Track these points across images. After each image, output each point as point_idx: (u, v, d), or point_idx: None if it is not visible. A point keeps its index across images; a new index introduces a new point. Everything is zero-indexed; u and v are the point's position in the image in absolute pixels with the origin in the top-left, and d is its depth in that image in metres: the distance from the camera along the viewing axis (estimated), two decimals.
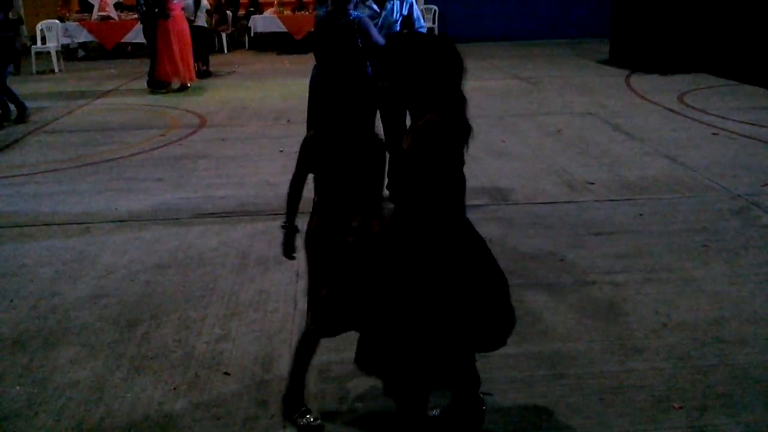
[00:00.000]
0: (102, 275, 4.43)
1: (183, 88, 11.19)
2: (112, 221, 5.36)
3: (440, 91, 2.30)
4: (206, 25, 12.70)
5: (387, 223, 2.53)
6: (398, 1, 5.53)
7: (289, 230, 2.86)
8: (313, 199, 2.84)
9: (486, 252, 2.51)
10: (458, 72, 2.33)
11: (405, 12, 5.58)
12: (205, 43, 12.59)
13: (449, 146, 2.33)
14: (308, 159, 2.76)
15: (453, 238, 2.40)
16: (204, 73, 12.60)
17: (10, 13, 10.25)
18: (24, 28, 15.70)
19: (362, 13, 5.32)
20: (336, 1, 5.16)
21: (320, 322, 2.80)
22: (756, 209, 5.24)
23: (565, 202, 5.54)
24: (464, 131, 2.37)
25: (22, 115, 8.93)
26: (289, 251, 2.89)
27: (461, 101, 2.36)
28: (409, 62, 2.30)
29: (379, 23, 5.42)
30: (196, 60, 12.00)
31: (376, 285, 2.47)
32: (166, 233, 5.09)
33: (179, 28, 11.05)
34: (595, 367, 3.32)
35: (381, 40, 5.17)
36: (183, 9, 11.34)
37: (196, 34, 11.74)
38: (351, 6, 5.21)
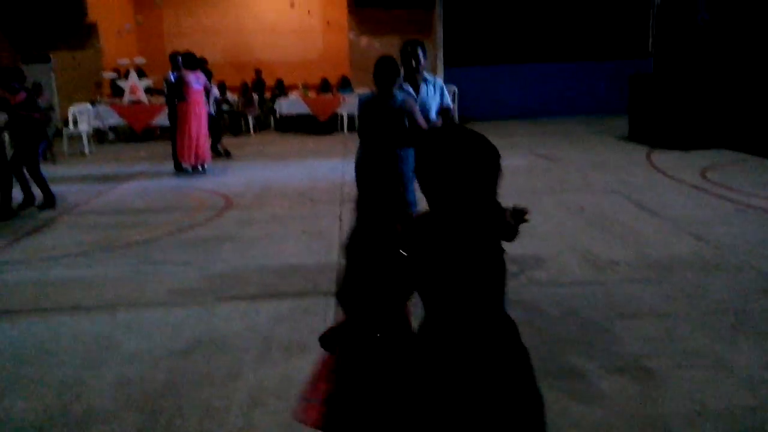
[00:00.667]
0: (126, 362, 4.43)
1: (199, 170, 11.43)
2: (137, 306, 5.40)
3: (479, 186, 2.19)
4: (214, 114, 12.90)
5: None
6: (431, 86, 5.76)
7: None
8: None
9: (524, 362, 2.30)
10: (497, 170, 2.21)
11: (437, 94, 5.79)
12: (214, 129, 12.77)
13: (478, 236, 2.21)
14: None
15: (490, 340, 2.23)
16: (225, 153, 12.96)
17: (40, 99, 10.66)
18: (57, 112, 16.30)
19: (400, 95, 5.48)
20: (383, 84, 5.31)
21: None
22: None
23: (590, 282, 5.49)
24: (490, 221, 2.27)
25: (50, 203, 8.95)
26: None
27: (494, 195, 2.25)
28: (458, 156, 2.20)
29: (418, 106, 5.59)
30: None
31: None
32: (191, 317, 5.11)
33: (197, 111, 11.30)
34: None
35: (424, 122, 5.38)
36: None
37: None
38: (396, 88, 5.40)
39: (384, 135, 5.38)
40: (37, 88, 11.86)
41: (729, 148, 11.01)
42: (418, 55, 5.62)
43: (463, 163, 2.19)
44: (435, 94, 5.81)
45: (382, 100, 5.37)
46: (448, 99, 5.96)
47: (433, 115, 5.77)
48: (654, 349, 4.32)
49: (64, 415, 3.79)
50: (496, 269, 2.26)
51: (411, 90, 5.66)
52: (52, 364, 4.42)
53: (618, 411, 3.63)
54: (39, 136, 9.01)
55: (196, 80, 11.20)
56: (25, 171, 8.82)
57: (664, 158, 10.78)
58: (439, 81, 5.93)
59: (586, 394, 3.81)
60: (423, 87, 5.72)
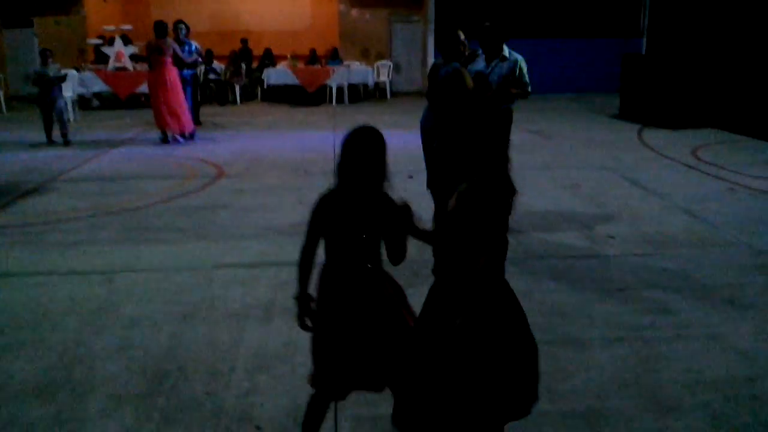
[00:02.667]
0: (127, 326, 4.42)
1: (181, 139, 11.34)
2: (134, 271, 5.37)
3: (488, 154, 2.32)
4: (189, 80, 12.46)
5: (432, 286, 2.52)
6: (500, 62, 6.29)
7: (303, 299, 2.79)
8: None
9: (521, 317, 2.49)
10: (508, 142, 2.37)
11: (506, 71, 6.21)
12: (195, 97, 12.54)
13: (493, 209, 2.33)
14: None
15: (492, 301, 2.40)
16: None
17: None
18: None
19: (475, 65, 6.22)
20: (449, 56, 6.02)
21: (325, 384, 2.81)
22: None
23: (587, 256, 5.54)
24: (508, 194, 2.38)
25: None
26: (304, 323, 2.79)
27: (506, 165, 2.37)
28: (466, 127, 2.34)
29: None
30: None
31: (412, 343, 2.48)
32: (190, 283, 5.10)
33: (164, 78, 11.16)
34: (632, 425, 3.28)
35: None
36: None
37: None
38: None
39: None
40: (44, 55, 11.49)
41: (719, 127, 11.11)
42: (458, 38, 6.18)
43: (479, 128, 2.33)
44: (505, 71, 6.24)
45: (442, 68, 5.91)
46: (526, 77, 6.33)
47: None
48: (651, 321, 4.38)
49: (66, 378, 3.77)
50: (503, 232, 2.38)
51: (483, 62, 6.34)
52: (52, 328, 4.40)
53: (617, 379, 3.69)
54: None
55: (169, 50, 11.09)
56: None
57: (656, 136, 10.85)
58: (514, 58, 6.32)
59: (586, 362, 3.87)
60: (494, 61, 6.28)
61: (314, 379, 2.84)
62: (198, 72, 13.41)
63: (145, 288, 5.03)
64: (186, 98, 11.52)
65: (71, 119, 13.97)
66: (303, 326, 2.79)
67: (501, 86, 6.22)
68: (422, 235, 2.77)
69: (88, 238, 6.22)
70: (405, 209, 2.69)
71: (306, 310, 2.77)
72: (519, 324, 2.47)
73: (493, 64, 6.30)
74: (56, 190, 8.10)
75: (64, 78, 11.45)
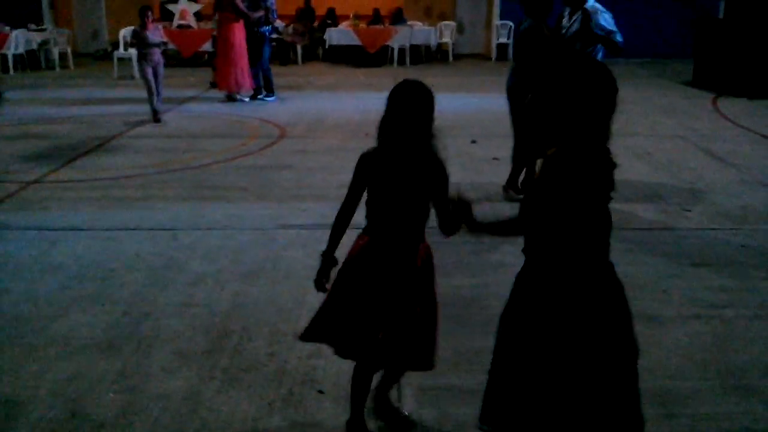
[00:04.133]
0: (191, 283, 4.43)
1: (238, 97, 11.30)
2: (198, 228, 5.38)
3: (588, 122, 2.12)
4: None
5: (522, 269, 2.33)
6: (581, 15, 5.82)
7: (328, 260, 2.74)
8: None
9: (625, 313, 2.30)
10: (611, 107, 2.16)
11: (577, 26, 5.76)
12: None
13: (583, 181, 2.13)
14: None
15: (592, 288, 2.22)
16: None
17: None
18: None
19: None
20: (536, 15, 5.69)
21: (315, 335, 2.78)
22: None
23: (661, 228, 5.32)
24: (606, 167, 2.18)
25: None
26: (322, 283, 2.74)
27: (606, 136, 2.17)
28: (567, 85, 2.14)
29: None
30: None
31: (504, 332, 2.34)
32: (253, 243, 5.08)
33: (225, 36, 11.08)
34: (709, 407, 3.13)
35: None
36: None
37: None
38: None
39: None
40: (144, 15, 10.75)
41: None
42: None
43: (584, 89, 2.14)
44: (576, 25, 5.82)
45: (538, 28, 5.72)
46: (610, 26, 5.78)
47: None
48: (730, 300, 4.17)
49: (131, 333, 3.80)
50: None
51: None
52: (116, 283, 4.44)
53: (694, 359, 3.53)
54: None
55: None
56: None
57: (732, 106, 10.35)
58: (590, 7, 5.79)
59: (660, 339, 3.70)
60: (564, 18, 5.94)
61: (306, 331, 2.80)
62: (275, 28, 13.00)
63: (209, 246, 5.04)
64: (264, 58, 11.38)
65: (136, 75, 14.15)
66: (319, 287, 2.73)
67: (570, 40, 5.80)
68: (485, 228, 2.52)
69: (153, 195, 6.27)
70: (464, 206, 2.44)
71: (327, 271, 2.71)
72: (622, 321, 2.28)
73: (574, 18, 5.86)
74: (122, 146, 8.19)
75: (166, 44, 10.68)
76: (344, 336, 2.71)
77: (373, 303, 2.62)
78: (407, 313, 2.63)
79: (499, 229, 2.53)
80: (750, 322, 3.89)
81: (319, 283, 2.74)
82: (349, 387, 3.22)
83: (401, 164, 2.56)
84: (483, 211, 2.63)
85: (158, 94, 9.59)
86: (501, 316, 2.36)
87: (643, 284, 4.34)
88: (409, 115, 2.51)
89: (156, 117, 9.50)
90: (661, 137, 8.13)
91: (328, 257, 2.72)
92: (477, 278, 4.44)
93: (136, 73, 14.04)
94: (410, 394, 3.21)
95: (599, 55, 5.79)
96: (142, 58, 9.60)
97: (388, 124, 2.55)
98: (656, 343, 3.65)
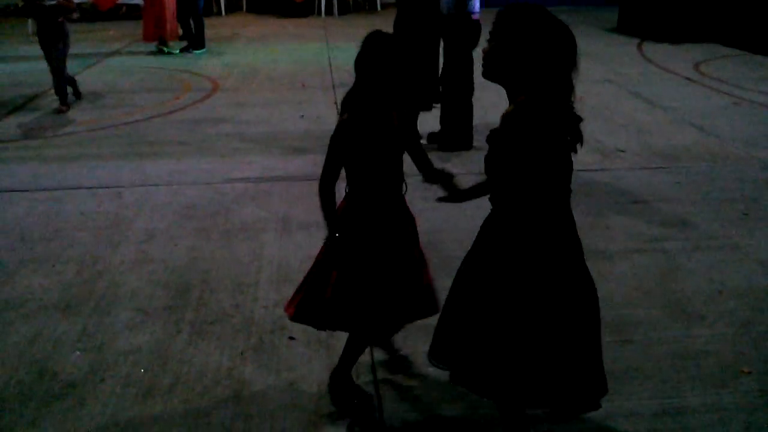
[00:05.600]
0: (143, 240, 4.36)
1: (161, 50, 10.98)
2: (142, 185, 5.27)
3: (548, 73, 2.14)
4: None
5: (484, 223, 2.35)
6: None
7: (337, 237, 2.59)
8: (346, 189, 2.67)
9: (581, 266, 2.36)
10: (572, 57, 2.15)
11: None
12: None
13: (542, 136, 2.12)
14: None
15: (549, 237, 2.24)
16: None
17: None
18: None
19: None
20: None
21: (373, 328, 2.74)
22: None
23: (600, 169, 5.51)
24: (568, 120, 2.22)
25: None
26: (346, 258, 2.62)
27: (567, 88, 2.20)
28: (525, 35, 2.14)
29: None
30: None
31: (467, 290, 2.38)
32: (201, 198, 5.02)
33: None
34: (660, 333, 3.32)
35: None
36: None
37: None
38: None
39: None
40: None
41: (719, 42, 10.94)
42: None
43: (543, 38, 2.14)
44: None
45: None
46: None
47: None
48: (669, 233, 4.40)
49: (88, 292, 3.73)
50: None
51: None
52: (65, 243, 4.33)
53: (642, 289, 3.72)
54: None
55: None
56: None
57: (656, 50, 10.68)
58: None
59: (608, 273, 3.88)
60: None
61: (362, 326, 2.70)
62: None
63: (156, 202, 4.95)
64: (199, 8, 10.97)
65: None
66: (339, 255, 2.61)
67: None
68: (467, 194, 2.57)
69: (90, 153, 6.08)
70: (446, 178, 2.57)
71: (340, 242, 2.58)
72: (580, 273, 2.33)
73: None
74: (48, 104, 7.84)
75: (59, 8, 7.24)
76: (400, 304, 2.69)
77: (403, 264, 2.65)
78: (418, 263, 2.71)
79: (479, 191, 2.55)
80: (690, 254, 4.12)
81: (339, 253, 2.60)
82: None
83: (385, 126, 2.55)
84: None
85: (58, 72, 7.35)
86: (464, 260, 2.40)
87: (587, 222, 4.50)
88: (396, 80, 2.50)
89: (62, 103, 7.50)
90: (592, 82, 8.35)
91: (336, 229, 2.58)
92: (430, 224, 4.51)
93: None
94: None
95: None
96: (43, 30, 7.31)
97: (369, 93, 2.51)
98: (604, 277, 3.81)
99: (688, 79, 8.72)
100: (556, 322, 2.22)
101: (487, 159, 2.25)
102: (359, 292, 2.60)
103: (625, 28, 12.46)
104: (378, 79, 2.49)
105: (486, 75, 2.24)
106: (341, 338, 3.21)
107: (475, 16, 5.74)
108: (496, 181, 2.26)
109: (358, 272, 2.59)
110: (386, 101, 2.54)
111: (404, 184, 2.66)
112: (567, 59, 2.15)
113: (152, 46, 11.15)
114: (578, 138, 2.21)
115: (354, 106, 2.54)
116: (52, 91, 7.51)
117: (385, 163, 2.59)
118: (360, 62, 2.50)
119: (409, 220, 2.72)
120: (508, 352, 2.23)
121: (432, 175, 2.65)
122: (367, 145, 2.53)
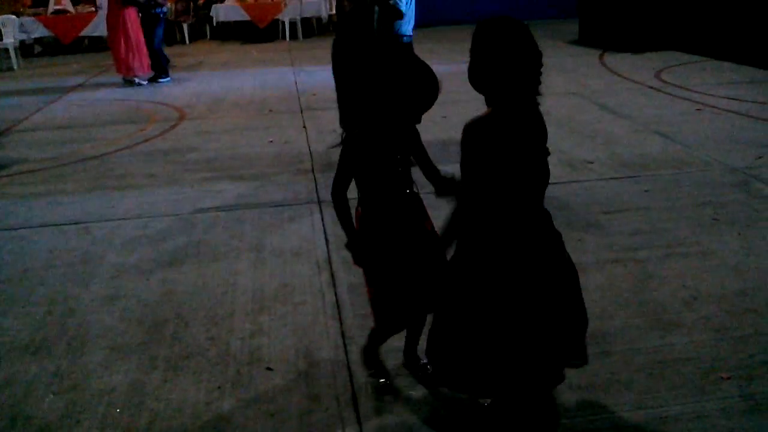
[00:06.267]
0: (114, 275, 4.29)
1: (129, 81, 10.87)
2: (111, 220, 5.19)
3: (511, 83, 2.21)
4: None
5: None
6: None
7: (357, 241, 2.72)
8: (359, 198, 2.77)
9: (563, 257, 2.45)
10: (536, 62, 2.23)
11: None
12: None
13: (499, 145, 2.22)
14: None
15: (509, 237, 2.34)
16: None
17: None
18: None
19: None
20: None
21: (388, 321, 2.81)
22: (756, 182, 5.33)
23: (569, 181, 5.55)
24: (532, 126, 2.30)
25: None
26: (364, 261, 2.75)
27: (535, 93, 2.27)
28: (485, 46, 2.21)
29: None
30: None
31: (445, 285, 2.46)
32: (172, 229, 4.95)
33: (118, 20, 10.57)
34: (638, 342, 3.33)
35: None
36: None
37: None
38: None
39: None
40: None
41: (679, 49, 11.15)
42: None
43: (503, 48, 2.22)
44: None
45: None
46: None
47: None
48: (642, 242, 4.43)
49: (60, 332, 3.65)
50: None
51: None
52: (34, 282, 4.24)
53: (618, 299, 3.73)
54: None
55: None
56: None
57: (618, 61, 10.85)
58: None
59: (584, 284, 3.84)
60: None
61: (381, 321, 2.83)
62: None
63: (125, 236, 4.88)
64: (158, 38, 10.91)
65: (15, 67, 13.35)
66: (363, 263, 2.75)
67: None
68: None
69: (56, 189, 5.98)
70: (453, 184, 2.62)
71: (362, 250, 2.71)
72: (561, 265, 2.42)
73: None
74: (12, 141, 7.73)
75: None
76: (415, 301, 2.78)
77: (418, 263, 2.72)
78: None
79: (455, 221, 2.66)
80: (663, 261, 4.15)
81: (362, 260, 2.74)
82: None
83: (396, 135, 2.66)
84: None
85: None
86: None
87: (563, 235, 4.52)
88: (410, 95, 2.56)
89: None
90: (557, 95, 8.44)
91: (356, 239, 2.71)
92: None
93: (15, 64, 13.30)
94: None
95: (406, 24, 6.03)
96: None
97: (376, 104, 2.59)
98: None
99: (651, 87, 8.85)
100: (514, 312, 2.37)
101: (463, 164, 2.31)
102: (381, 286, 2.74)
103: (586, 39, 12.66)
104: (382, 93, 2.56)
105: (471, 84, 2.31)
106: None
107: (406, 39, 5.87)
108: (474, 185, 2.32)
109: (380, 270, 2.72)
110: (390, 114, 2.60)
111: (414, 185, 2.75)
112: (529, 69, 2.21)
113: (117, 78, 11.06)
114: (543, 143, 2.33)
115: (360, 120, 2.66)
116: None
117: (392, 170, 2.67)
118: (363, 78, 2.64)
119: (421, 216, 2.78)
120: (478, 346, 2.37)
121: (443, 187, 2.71)
122: (375, 156, 2.63)
